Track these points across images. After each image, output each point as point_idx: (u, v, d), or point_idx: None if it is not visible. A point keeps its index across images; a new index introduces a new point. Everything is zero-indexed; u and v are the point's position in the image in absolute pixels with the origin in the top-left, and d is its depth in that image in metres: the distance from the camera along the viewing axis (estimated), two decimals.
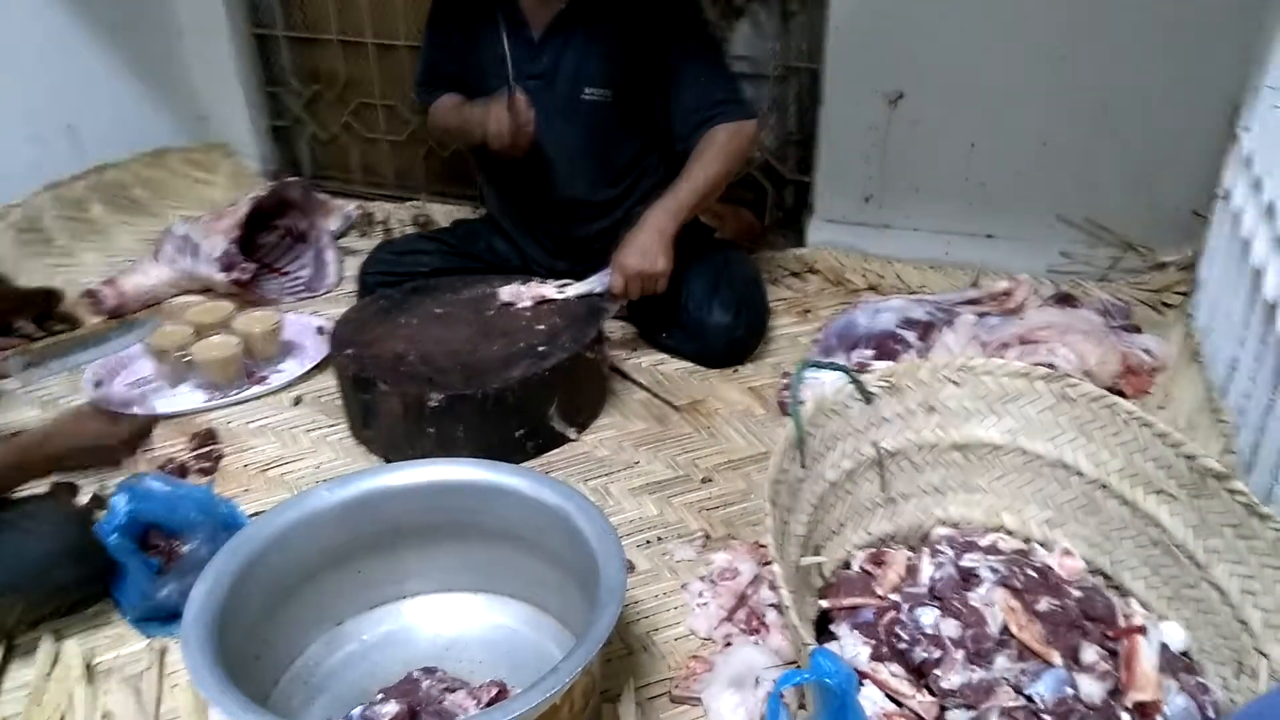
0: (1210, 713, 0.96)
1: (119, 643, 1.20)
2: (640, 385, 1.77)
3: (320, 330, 1.92)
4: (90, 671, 1.15)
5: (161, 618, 1.22)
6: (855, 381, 1.16)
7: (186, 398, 1.74)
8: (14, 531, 1.14)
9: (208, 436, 1.62)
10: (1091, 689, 0.96)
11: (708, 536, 1.37)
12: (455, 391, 1.47)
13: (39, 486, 1.29)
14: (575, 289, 1.75)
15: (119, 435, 1.35)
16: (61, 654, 1.17)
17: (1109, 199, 2.00)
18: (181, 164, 2.67)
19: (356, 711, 0.99)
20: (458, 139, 2.20)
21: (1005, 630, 1.01)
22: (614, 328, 1.96)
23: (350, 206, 2.44)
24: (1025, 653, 0.99)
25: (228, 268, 2.02)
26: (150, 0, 2.57)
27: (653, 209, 1.71)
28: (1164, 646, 1.03)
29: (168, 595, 1.20)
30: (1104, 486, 1.15)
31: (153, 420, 1.52)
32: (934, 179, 2.12)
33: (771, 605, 1.20)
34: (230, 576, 1.01)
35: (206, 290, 2.12)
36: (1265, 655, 0.94)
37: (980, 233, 2.14)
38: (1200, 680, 1.00)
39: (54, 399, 1.76)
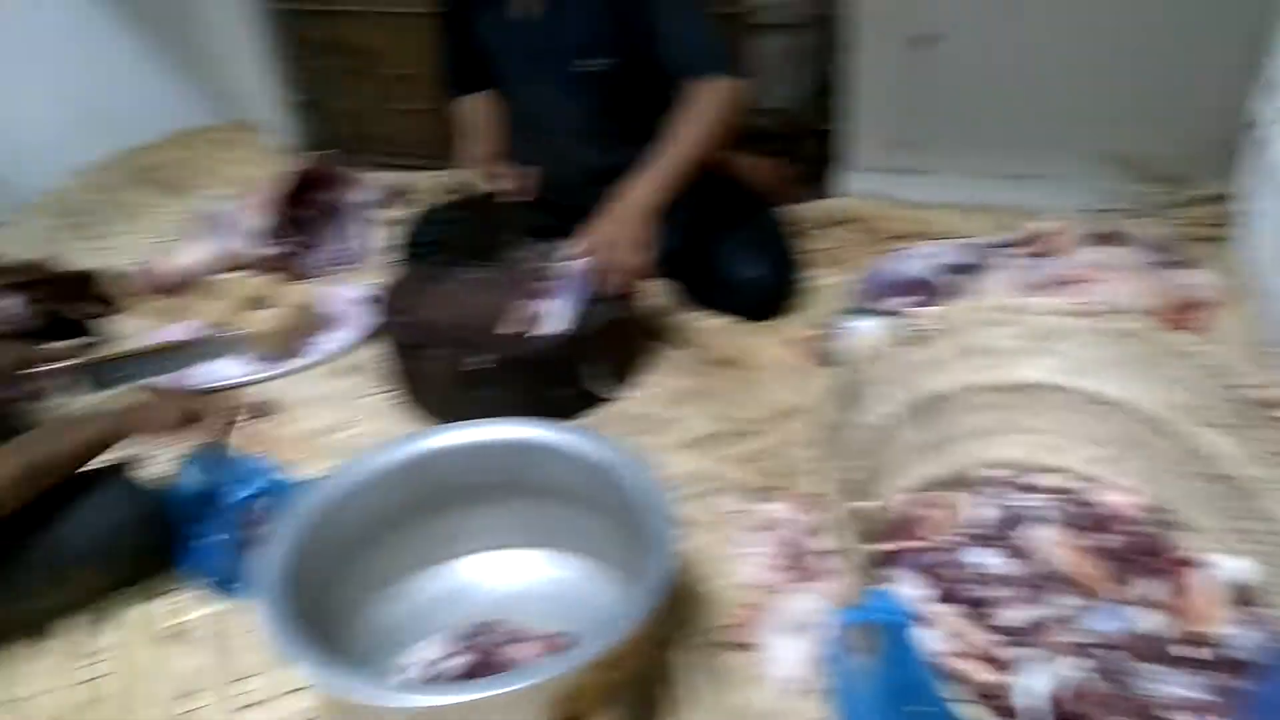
0: (1276, 643, 0.96)
1: (194, 606, 1.25)
2: (679, 342, 1.78)
3: (363, 300, 1.94)
4: (168, 633, 1.19)
5: (230, 581, 1.26)
6: (898, 325, 1.16)
7: (237, 371, 1.78)
8: (90, 502, 1.18)
9: (258, 408, 1.65)
10: (1146, 622, 0.97)
11: (753, 488, 1.39)
12: (499, 355, 1.49)
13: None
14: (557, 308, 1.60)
15: (195, 414, 1.36)
16: (141, 618, 1.22)
17: (1146, 132, 1.96)
18: (210, 144, 2.70)
19: (425, 663, 1.02)
20: None
21: (1058, 567, 1.02)
22: (651, 286, 1.96)
23: (380, 178, 2.45)
24: (1079, 589, 1.00)
25: (266, 244, 2.05)
26: None
27: (631, 190, 1.61)
28: (1224, 579, 1.03)
29: (234, 560, 1.24)
30: (1153, 422, 1.14)
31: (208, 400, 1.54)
32: (966, 121, 2.10)
33: (821, 552, 1.21)
34: (297, 539, 1.04)
35: (246, 267, 2.15)
36: None
37: (1016, 174, 2.11)
38: (1265, 611, 1.00)
39: None
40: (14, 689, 1.14)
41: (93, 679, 1.15)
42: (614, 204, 1.61)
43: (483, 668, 1.03)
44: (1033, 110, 2.03)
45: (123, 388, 1.58)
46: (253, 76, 2.75)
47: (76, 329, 1.93)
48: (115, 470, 1.27)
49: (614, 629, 0.89)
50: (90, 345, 1.91)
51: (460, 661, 1.01)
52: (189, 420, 1.35)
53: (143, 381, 1.52)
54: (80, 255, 2.25)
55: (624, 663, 0.93)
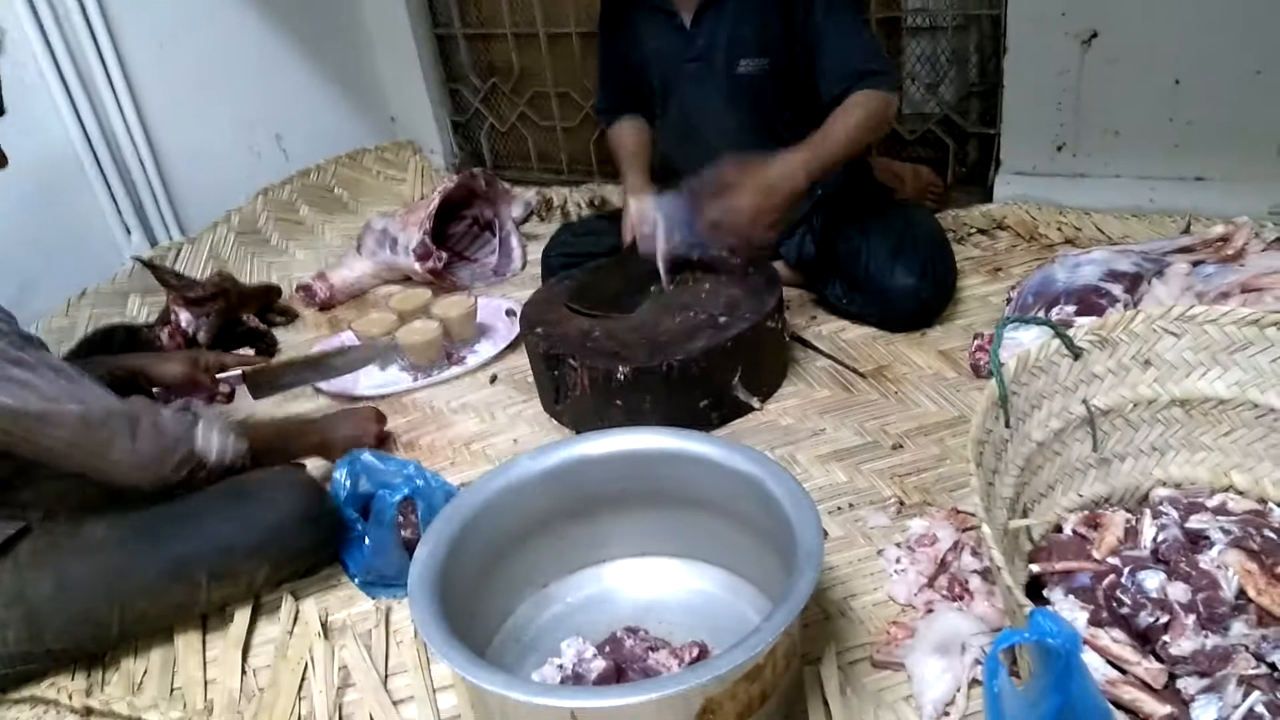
0: None
1: (349, 603, 1.31)
2: (822, 353, 1.75)
3: (510, 312, 2.00)
4: (326, 628, 1.25)
5: (383, 581, 1.31)
6: (1061, 336, 1.10)
7: (394, 379, 1.87)
8: (259, 500, 1.26)
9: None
10: None
11: (902, 503, 1.34)
12: (640, 365, 1.50)
13: None
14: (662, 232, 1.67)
15: (375, 425, 1.58)
16: (301, 612, 1.29)
17: None
18: (375, 163, 2.85)
19: (568, 667, 1.04)
20: None
21: (1241, 594, 0.94)
22: (793, 295, 1.94)
23: (530, 193, 2.53)
24: (1265, 618, 0.92)
25: (423, 257, 2.14)
26: (342, 13, 2.76)
27: (785, 160, 1.59)
28: None
29: (386, 560, 1.30)
30: None
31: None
32: (1134, 121, 1.98)
33: (974, 571, 1.16)
34: (448, 541, 1.07)
35: (405, 279, 2.26)
36: None
37: (1189, 175, 1.98)
38: None
39: None
40: (182, 677, 1.22)
41: (255, 669, 1.23)
42: (761, 173, 1.59)
43: (622, 673, 1.03)
44: (1202, 108, 1.90)
45: (278, 394, 1.71)
46: (417, 98, 2.90)
47: (257, 338, 2.08)
48: (284, 470, 1.35)
49: (756, 639, 0.88)
50: (263, 353, 2.05)
51: (600, 666, 1.01)
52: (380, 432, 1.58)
53: (297, 388, 1.65)
54: (260, 269, 2.42)
55: (765, 676, 0.92)
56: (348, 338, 2.00)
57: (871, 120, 1.65)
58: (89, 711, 1.19)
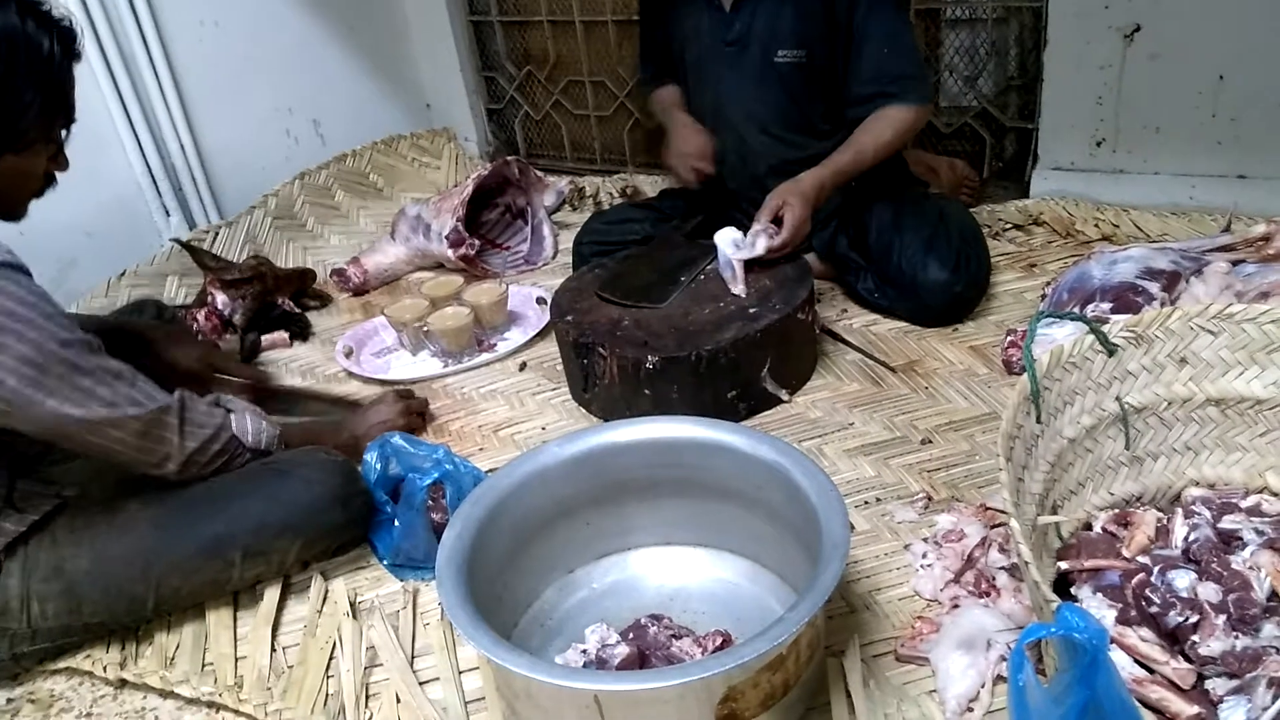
0: None
1: (377, 584, 1.32)
2: (852, 346, 1.74)
3: (540, 300, 2.01)
4: (354, 609, 1.27)
5: (411, 562, 1.33)
6: (1096, 332, 1.09)
7: (425, 365, 1.88)
8: (292, 479, 1.28)
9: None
10: None
11: (929, 498, 1.34)
12: (669, 354, 1.50)
13: None
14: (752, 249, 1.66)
15: (408, 414, 1.59)
16: (330, 592, 1.31)
17: None
18: (410, 150, 2.87)
19: (592, 651, 1.04)
20: None
21: (1274, 596, 0.93)
22: (824, 288, 1.93)
23: (562, 182, 2.53)
24: None
25: (456, 244, 2.16)
26: (380, 1, 2.77)
27: (812, 174, 1.69)
28: None
29: (415, 542, 1.31)
30: None
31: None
32: (1176, 117, 1.95)
33: (1001, 568, 1.15)
34: (475, 524, 1.08)
35: (437, 265, 2.28)
36: None
37: (1231, 173, 1.94)
38: None
39: (312, 367, 1.97)
40: (213, 652, 1.24)
41: (284, 647, 1.25)
42: (800, 190, 1.67)
43: (645, 660, 1.04)
44: (1247, 104, 1.86)
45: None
46: (452, 85, 2.92)
47: (291, 321, 2.10)
48: (320, 448, 1.37)
49: (780, 629, 0.88)
50: (296, 337, 2.07)
51: (623, 651, 1.02)
52: (410, 418, 1.58)
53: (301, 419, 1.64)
54: (295, 254, 2.45)
55: (788, 666, 0.92)
56: (380, 323, 2.02)
57: (900, 138, 1.75)
58: (123, 683, 1.22)
